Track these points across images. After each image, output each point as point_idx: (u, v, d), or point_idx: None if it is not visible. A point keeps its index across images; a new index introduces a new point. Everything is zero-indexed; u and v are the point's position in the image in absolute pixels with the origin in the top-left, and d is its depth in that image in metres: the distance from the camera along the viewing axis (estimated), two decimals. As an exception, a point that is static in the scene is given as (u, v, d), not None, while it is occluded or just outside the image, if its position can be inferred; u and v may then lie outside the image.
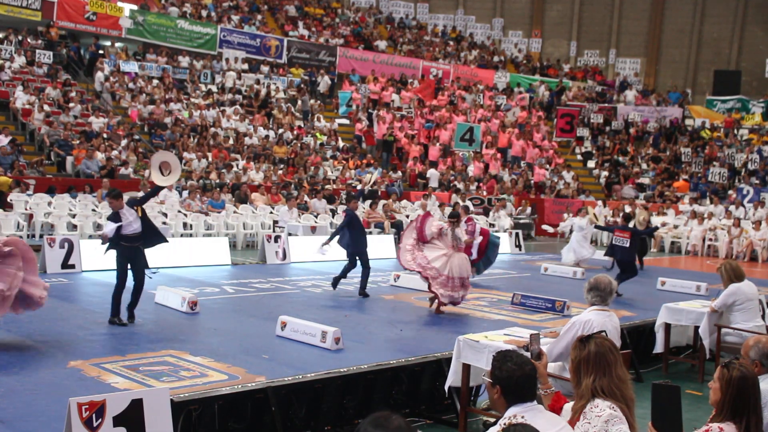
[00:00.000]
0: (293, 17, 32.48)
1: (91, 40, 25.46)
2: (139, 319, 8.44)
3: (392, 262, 14.05)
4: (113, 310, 8.17)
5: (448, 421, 6.30)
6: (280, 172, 21.61)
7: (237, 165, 21.04)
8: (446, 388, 6.20)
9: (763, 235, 19.92)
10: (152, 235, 8.50)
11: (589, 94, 33.64)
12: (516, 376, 3.32)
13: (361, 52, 31.48)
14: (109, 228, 8.15)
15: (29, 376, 6.06)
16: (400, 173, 24.90)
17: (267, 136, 24.16)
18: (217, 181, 19.49)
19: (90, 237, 14.86)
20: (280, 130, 24.72)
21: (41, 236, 14.09)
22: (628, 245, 11.71)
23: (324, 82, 29.00)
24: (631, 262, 11.93)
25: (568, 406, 3.73)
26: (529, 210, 23.46)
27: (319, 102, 28.43)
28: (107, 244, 8.30)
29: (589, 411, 3.46)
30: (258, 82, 27.31)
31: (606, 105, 32.27)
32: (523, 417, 3.21)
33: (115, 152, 19.41)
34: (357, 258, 10.85)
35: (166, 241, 8.73)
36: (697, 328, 8.01)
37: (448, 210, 21.72)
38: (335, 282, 11.01)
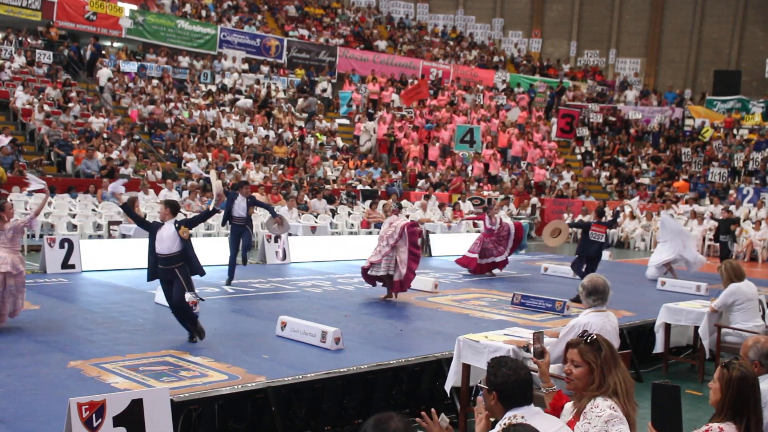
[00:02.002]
0: (293, 17, 32.48)
1: (91, 40, 25.45)
2: (139, 319, 8.44)
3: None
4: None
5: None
6: (280, 172, 21.60)
7: (237, 165, 21.04)
8: (446, 389, 6.20)
9: (763, 235, 19.92)
10: (191, 262, 7.50)
11: (589, 94, 33.64)
12: (511, 381, 3.36)
13: (361, 52, 31.47)
14: (114, 186, 8.05)
15: (29, 376, 6.06)
16: (400, 173, 24.91)
17: (267, 136, 24.16)
18: (217, 181, 19.47)
19: (90, 237, 14.87)
20: (280, 130, 24.73)
21: (41, 236, 14.09)
22: (603, 240, 11.91)
23: (329, 88, 28.87)
24: (599, 258, 12.13)
25: (569, 405, 3.74)
26: (529, 210, 23.46)
27: (319, 102, 28.42)
28: (148, 272, 7.61)
29: (589, 411, 3.46)
30: (258, 82, 27.30)
31: (606, 105, 32.29)
32: (523, 417, 3.22)
33: (115, 152, 19.40)
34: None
35: (202, 273, 7.68)
36: (697, 328, 8.01)
37: (448, 210, 21.77)
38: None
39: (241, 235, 11.65)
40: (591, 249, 11.99)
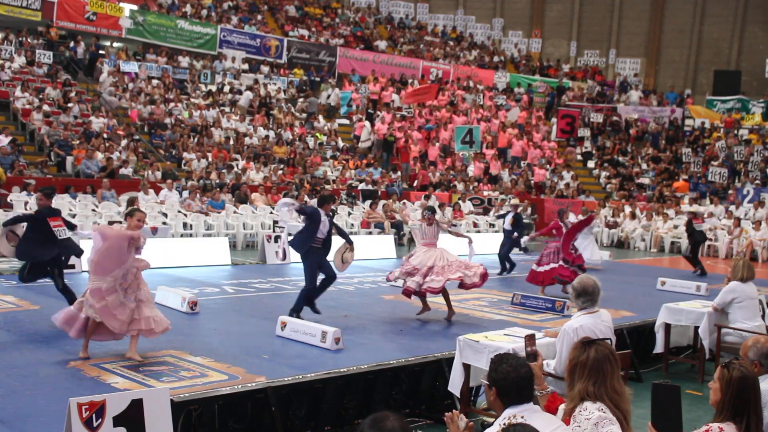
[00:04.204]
0: (293, 17, 32.48)
1: (91, 40, 25.46)
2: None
3: (392, 263, 14.05)
4: None
5: (448, 421, 6.29)
6: (280, 172, 21.60)
7: (237, 165, 21.04)
8: (451, 390, 6.16)
9: (763, 235, 19.92)
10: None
11: (589, 95, 33.63)
12: (511, 378, 3.35)
13: (361, 52, 31.47)
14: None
15: (29, 376, 6.06)
16: (399, 173, 24.90)
17: (267, 136, 24.16)
18: (217, 181, 19.49)
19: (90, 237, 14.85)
20: (280, 130, 24.72)
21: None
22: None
23: (335, 94, 28.75)
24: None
25: (562, 407, 3.74)
26: (529, 210, 23.44)
27: (320, 102, 28.41)
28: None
29: (578, 414, 3.46)
30: (256, 82, 27.29)
31: (606, 105, 32.29)
32: (522, 417, 3.22)
33: (116, 153, 19.38)
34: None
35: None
36: (697, 328, 8.01)
37: (448, 210, 21.77)
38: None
39: (321, 264, 8.99)
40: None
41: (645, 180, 27.00)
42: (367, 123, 26.60)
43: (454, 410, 3.29)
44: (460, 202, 22.51)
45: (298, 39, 30.46)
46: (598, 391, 3.47)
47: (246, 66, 28.10)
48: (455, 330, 7.97)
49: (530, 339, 4.70)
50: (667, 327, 8.28)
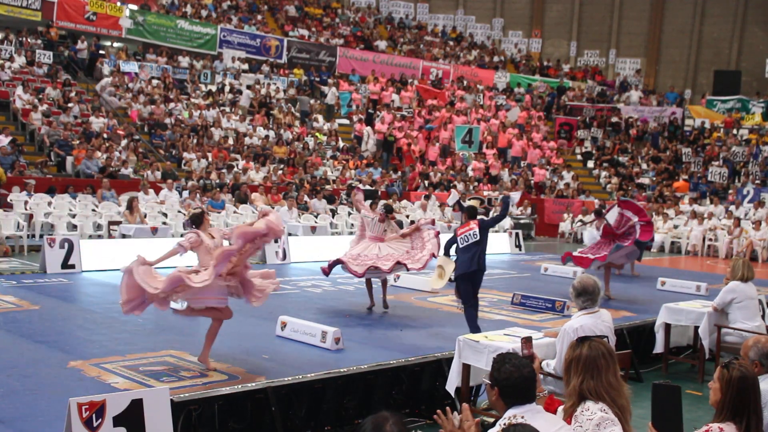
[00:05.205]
0: (293, 17, 32.48)
1: (92, 40, 25.46)
2: (139, 319, 8.43)
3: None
4: None
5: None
6: (280, 172, 21.60)
7: (237, 165, 21.03)
8: (449, 389, 6.16)
9: (763, 235, 19.91)
10: None
11: (590, 95, 33.64)
12: (514, 378, 3.34)
13: (361, 52, 31.46)
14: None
15: (29, 376, 6.06)
16: (399, 173, 24.90)
17: (267, 136, 24.16)
18: (217, 181, 19.49)
19: (90, 237, 14.87)
20: (280, 130, 24.72)
21: (41, 236, 14.08)
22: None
23: (331, 93, 28.67)
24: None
25: (561, 410, 3.73)
26: (529, 210, 23.45)
27: (318, 102, 28.39)
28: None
29: (580, 414, 3.44)
30: (258, 82, 27.29)
31: (606, 105, 32.30)
32: (522, 417, 3.22)
33: (116, 152, 19.38)
34: None
35: None
36: (697, 328, 8.01)
37: (448, 210, 21.75)
38: None
39: None
40: None
41: (645, 180, 27.00)
42: (366, 128, 26.58)
43: (447, 408, 3.27)
44: (460, 201, 22.48)
45: (298, 39, 30.46)
46: (596, 386, 3.46)
47: (246, 66, 28.10)
48: (455, 330, 7.96)
49: (527, 342, 4.68)
50: (667, 327, 8.28)
